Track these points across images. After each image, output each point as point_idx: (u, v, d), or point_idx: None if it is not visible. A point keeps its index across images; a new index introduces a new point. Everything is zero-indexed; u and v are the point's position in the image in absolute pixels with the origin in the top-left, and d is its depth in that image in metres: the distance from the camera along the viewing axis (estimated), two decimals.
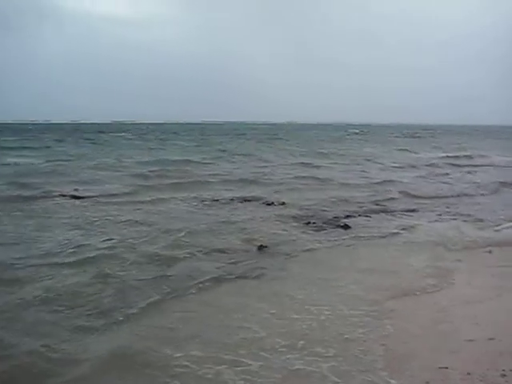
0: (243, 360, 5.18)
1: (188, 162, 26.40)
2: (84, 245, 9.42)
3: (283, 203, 14.36)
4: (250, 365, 5.10)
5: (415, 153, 36.94)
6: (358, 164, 27.53)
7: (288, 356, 5.29)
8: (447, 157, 32.29)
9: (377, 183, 19.15)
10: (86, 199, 14.66)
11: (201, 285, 7.46)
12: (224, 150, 35.96)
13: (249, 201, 14.77)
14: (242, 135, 69.83)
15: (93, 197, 15.05)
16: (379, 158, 30.89)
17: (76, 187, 16.69)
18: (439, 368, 5.00)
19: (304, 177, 20.65)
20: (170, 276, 7.78)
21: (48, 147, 38.64)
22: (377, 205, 14.41)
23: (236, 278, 7.84)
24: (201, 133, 75.34)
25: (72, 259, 8.46)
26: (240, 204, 14.30)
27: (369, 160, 29.76)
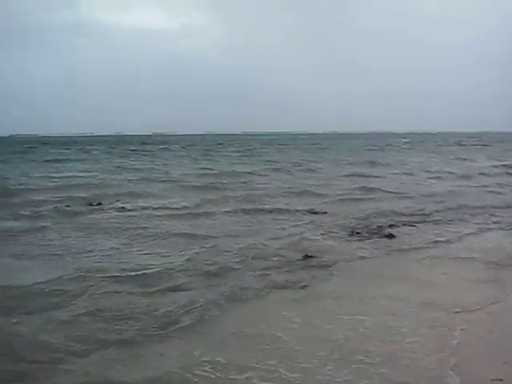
0: (287, 374, 5.09)
1: (236, 173, 26.45)
2: (134, 257, 9.49)
3: (326, 213, 14.30)
4: (296, 378, 5.01)
5: (472, 161, 35.81)
6: (409, 173, 27.01)
7: (329, 367, 5.19)
8: (504, 165, 30.89)
9: (429, 193, 18.73)
10: (135, 211, 14.77)
11: (248, 293, 7.49)
12: (271, 161, 36.00)
13: (297, 211, 14.69)
14: (284, 145, 69.86)
15: (143, 209, 15.15)
16: (433, 167, 30.25)
17: (126, 199, 16.94)
18: (492, 380, 4.90)
19: (354, 187, 20.31)
20: (216, 287, 7.77)
21: (96, 159, 39.54)
22: (425, 214, 14.12)
23: (280, 288, 7.80)
24: (244, 144, 75.43)
25: (122, 272, 8.41)
26: (288, 214, 14.24)
27: (421, 169, 29.08)
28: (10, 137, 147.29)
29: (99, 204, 16.00)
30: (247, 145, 71.55)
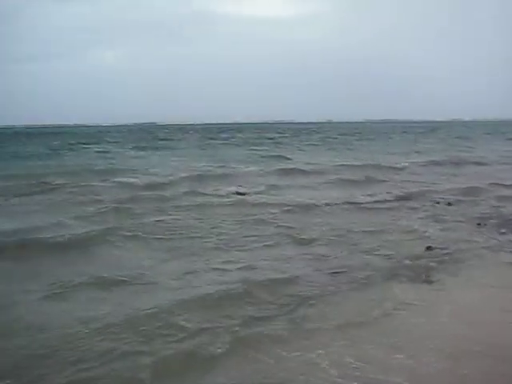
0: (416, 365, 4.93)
1: (379, 166, 23.68)
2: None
3: (461, 204, 13.61)
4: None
5: None
6: None
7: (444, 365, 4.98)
8: None
9: None
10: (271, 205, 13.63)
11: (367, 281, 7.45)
12: (419, 152, 32.54)
13: (438, 203, 13.84)
14: (420, 134, 65.40)
15: (281, 204, 13.71)
16: None
17: (273, 191, 16.30)
18: None
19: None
20: (333, 276, 7.69)
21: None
22: None
23: (404, 282, 7.47)
24: (373, 133, 71.50)
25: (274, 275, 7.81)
26: (420, 206, 13.45)
27: None
28: (135, 125, 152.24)
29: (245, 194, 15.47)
30: (377, 133, 68.58)
